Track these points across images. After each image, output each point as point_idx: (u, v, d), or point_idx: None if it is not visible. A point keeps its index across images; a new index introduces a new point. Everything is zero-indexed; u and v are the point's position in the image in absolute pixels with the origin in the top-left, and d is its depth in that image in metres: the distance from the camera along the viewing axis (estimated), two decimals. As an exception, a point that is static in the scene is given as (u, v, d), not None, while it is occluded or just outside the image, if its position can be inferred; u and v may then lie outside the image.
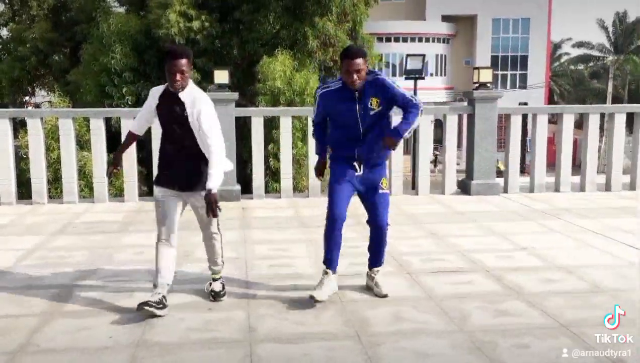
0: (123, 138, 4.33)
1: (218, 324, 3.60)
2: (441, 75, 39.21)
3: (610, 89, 44.86)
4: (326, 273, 4.02)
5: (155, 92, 3.83)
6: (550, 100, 43.22)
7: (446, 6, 39.11)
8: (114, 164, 4.10)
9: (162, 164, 3.90)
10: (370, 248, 4.21)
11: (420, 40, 37.41)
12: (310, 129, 7.68)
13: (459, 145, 8.58)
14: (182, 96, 3.68)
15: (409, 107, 3.83)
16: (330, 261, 4.04)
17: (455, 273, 4.60)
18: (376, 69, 4.12)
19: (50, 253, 5.25)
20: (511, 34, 40.32)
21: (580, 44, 49.94)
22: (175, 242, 3.87)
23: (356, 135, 3.86)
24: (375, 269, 4.20)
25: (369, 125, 3.84)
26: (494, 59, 38.84)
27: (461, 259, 4.98)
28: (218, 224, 4.02)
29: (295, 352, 3.23)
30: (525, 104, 27.92)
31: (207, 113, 3.65)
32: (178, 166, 3.79)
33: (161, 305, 3.67)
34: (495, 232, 5.90)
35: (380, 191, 4.02)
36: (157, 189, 3.86)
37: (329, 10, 11.91)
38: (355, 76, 3.70)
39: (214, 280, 4.12)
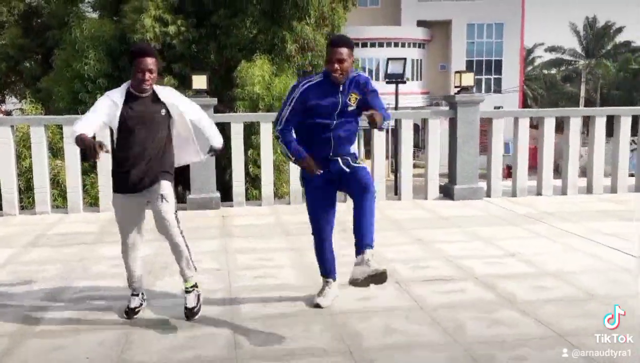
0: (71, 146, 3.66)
1: (202, 341, 3.42)
2: (417, 79, 39.38)
3: (582, 93, 45.58)
4: (327, 282, 4.02)
5: (115, 97, 3.49)
6: (524, 104, 43.74)
7: (421, 11, 39.36)
8: (100, 146, 3.20)
9: (122, 169, 3.58)
10: (357, 225, 3.47)
11: (396, 45, 37.54)
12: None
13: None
14: (162, 96, 3.55)
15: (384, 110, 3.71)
16: (328, 270, 4.02)
17: (445, 281, 4.48)
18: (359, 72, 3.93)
19: (22, 267, 5.00)
20: (485, 38, 40.75)
21: (552, 49, 50.75)
22: (142, 245, 3.84)
23: (328, 132, 3.63)
24: (369, 251, 3.36)
25: (341, 123, 3.64)
26: (469, 64, 39.13)
27: (450, 266, 4.87)
28: (178, 222, 3.66)
29: (284, 369, 3.07)
30: (501, 108, 28.13)
31: (186, 100, 3.78)
32: (143, 165, 3.55)
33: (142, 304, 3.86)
34: (481, 237, 5.81)
35: (355, 165, 3.66)
36: (117, 197, 3.65)
37: (307, 14, 11.78)
38: (336, 65, 3.49)
39: (187, 291, 3.70)
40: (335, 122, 3.64)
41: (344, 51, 3.51)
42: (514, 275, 4.60)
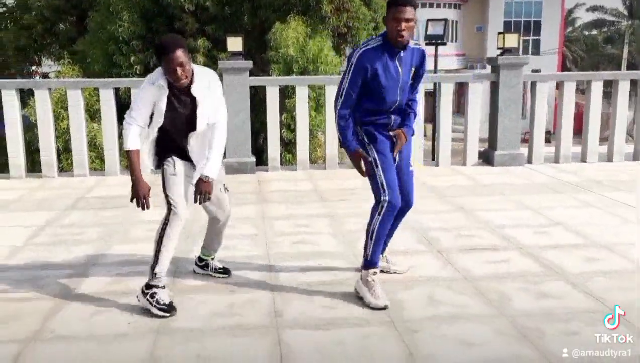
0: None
1: (242, 308, 3.39)
2: (453, 41, 38.33)
3: (625, 55, 43.85)
4: (375, 273, 3.46)
5: (160, 88, 3.27)
6: (563, 66, 42.35)
7: (458, -30, 38.15)
8: (144, 193, 3.58)
9: (167, 148, 3.50)
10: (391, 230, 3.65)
11: (431, 5, 36.56)
12: (328, 97, 7.39)
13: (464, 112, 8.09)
14: (194, 91, 3.29)
15: (413, 101, 3.55)
16: (377, 260, 3.50)
17: (489, 251, 4.35)
18: None
19: (63, 230, 5.05)
20: (524, -2, 39.31)
21: (594, 8, 48.73)
22: None
23: (392, 104, 3.40)
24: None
25: (402, 96, 3.42)
26: (507, 25, 37.89)
27: (494, 235, 4.73)
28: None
29: (327, 340, 3.00)
30: (539, 70, 27.28)
31: (218, 95, 3.41)
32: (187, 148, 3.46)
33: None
34: (526, 206, 5.63)
35: (410, 168, 3.69)
36: (171, 162, 3.47)
37: (343, -28, 11.46)
38: (403, 25, 3.15)
39: (212, 258, 3.92)
40: (399, 97, 3.38)
41: (410, 9, 3.17)
42: (563, 245, 4.43)
